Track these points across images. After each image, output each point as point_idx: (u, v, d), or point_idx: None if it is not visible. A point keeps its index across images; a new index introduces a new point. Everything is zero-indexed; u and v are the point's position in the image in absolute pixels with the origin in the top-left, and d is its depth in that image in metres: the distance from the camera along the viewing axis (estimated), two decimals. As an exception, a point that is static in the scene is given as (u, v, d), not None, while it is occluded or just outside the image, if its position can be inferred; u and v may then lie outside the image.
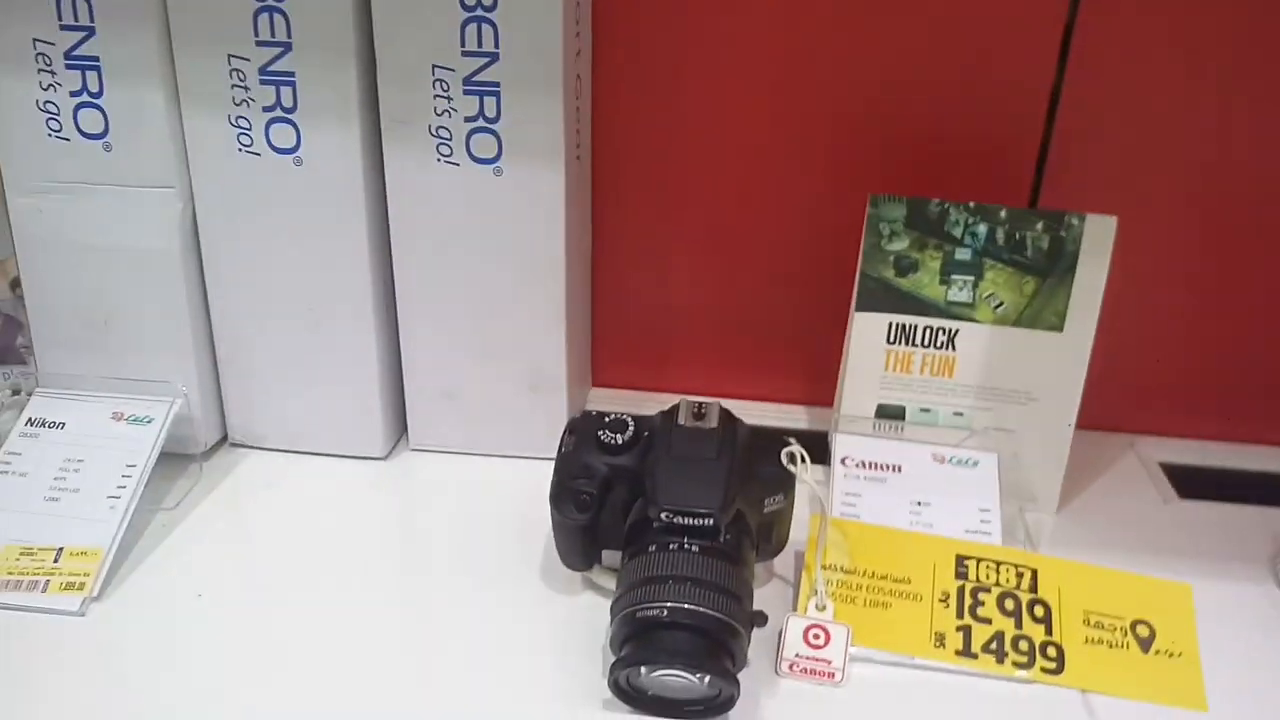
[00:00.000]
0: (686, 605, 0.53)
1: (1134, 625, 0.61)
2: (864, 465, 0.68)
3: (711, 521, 0.55)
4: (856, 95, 0.76)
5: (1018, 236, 0.68)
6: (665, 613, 0.53)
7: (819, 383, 0.81)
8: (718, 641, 0.54)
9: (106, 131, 0.68)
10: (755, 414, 0.84)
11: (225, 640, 0.60)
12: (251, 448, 0.77)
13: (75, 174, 0.69)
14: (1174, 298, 0.80)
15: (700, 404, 0.59)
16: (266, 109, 0.67)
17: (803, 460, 0.59)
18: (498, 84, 0.65)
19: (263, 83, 0.66)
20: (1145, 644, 0.60)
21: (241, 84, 0.66)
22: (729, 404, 0.85)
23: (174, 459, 0.73)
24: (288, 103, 0.67)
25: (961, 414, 0.72)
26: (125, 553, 0.66)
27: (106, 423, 0.69)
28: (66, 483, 0.67)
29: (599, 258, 0.83)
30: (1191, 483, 0.78)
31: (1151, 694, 0.58)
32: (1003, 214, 0.68)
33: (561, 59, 0.65)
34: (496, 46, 0.64)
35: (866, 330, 0.71)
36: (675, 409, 0.59)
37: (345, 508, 0.72)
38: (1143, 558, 0.69)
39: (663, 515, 0.55)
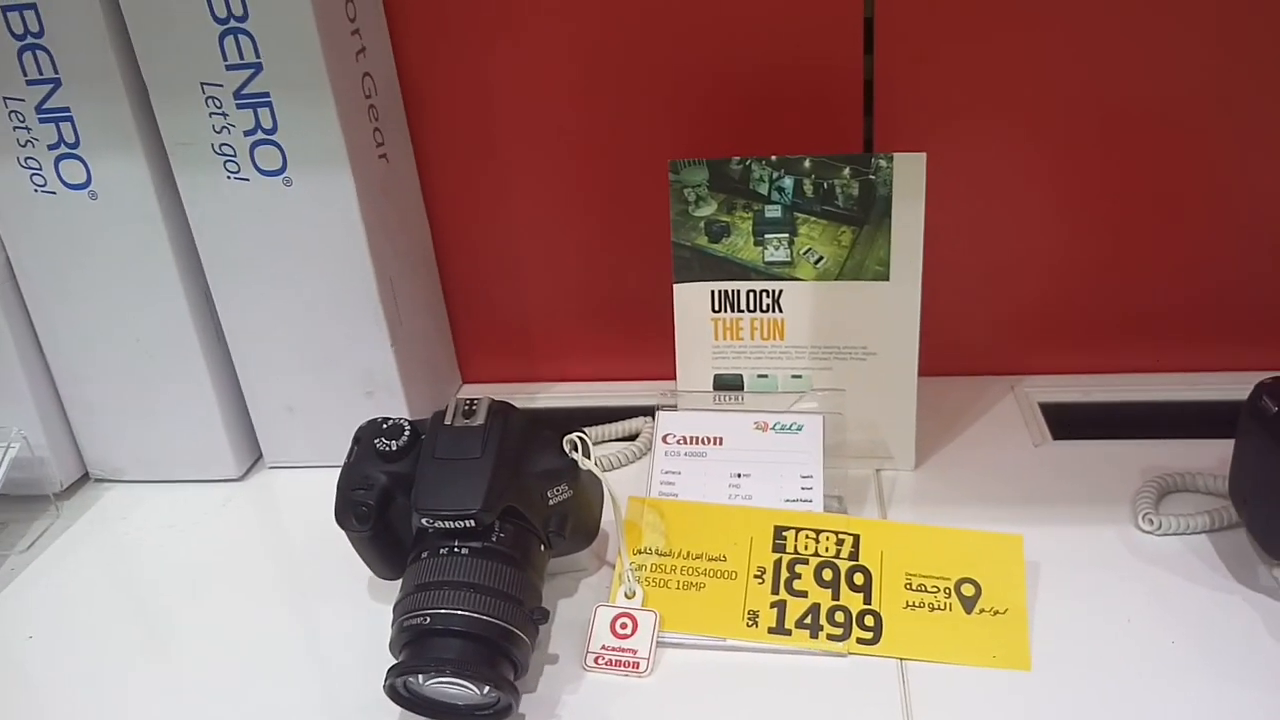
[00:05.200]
0: (456, 611, 0.52)
1: (959, 585, 0.58)
2: (684, 440, 0.66)
3: (474, 522, 0.53)
4: (677, 53, 0.73)
5: (826, 186, 0.65)
6: (429, 620, 0.52)
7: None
8: (493, 646, 0.52)
9: (-95, 187, 0.68)
10: (630, 395, 0.83)
11: (58, 681, 0.60)
12: (113, 481, 0.78)
13: (-113, 233, 0.70)
14: (1045, 230, 0.76)
15: (471, 401, 0.57)
16: (51, 147, 0.67)
17: (584, 449, 0.57)
18: (268, 94, 0.64)
19: (42, 121, 0.66)
20: (969, 604, 0.57)
21: (22, 125, 0.66)
22: (599, 388, 0.85)
23: (32, 501, 0.74)
24: (70, 138, 0.66)
25: (800, 376, 0.69)
26: (-34, 601, 0.67)
27: (-53, 473, 0.70)
28: (-93, 537, 0.68)
29: (444, 254, 0.82)
30: (1068, 422, 0.74)
31: (971, 657, 0.55)
32: (807, 164, 0.65)
33: (323, 62, 0.63)
34: (259, 56, 0.63)
35: (689, 301, 0.69)
36: (444, 409, 0.57)
37: (192, 532, 0.72)
38: (1000, 507, 0.67)
39: (424, 521, 0.53)
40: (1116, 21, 0.68)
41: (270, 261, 0.69)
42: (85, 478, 0.78)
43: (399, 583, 0.61)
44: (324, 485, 0.73)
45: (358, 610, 0.62)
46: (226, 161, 0.66)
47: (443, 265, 0.82)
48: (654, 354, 0.83)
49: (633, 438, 0.76)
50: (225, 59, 0.63)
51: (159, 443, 0.76)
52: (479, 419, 0.56)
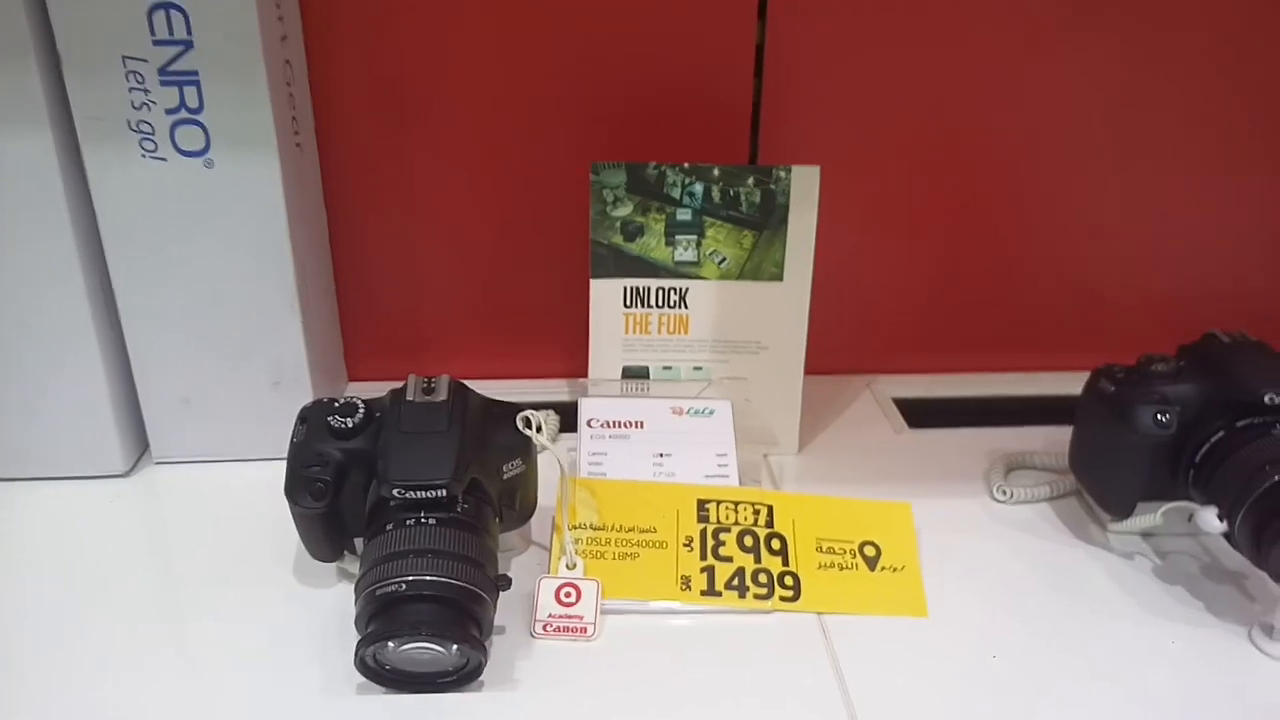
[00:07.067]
0: (427, 576, 0.54)
1: (862, 546, 0.66)
2: (608, 425, 0.70)
3: (445, 492, 0.55)
4: (579, 65, 0.77)
5: (732, 193, 0.72)
6: (405, 586, 0.53)
7: (578, 355, 0.83)
8: (462, 609, 0.54)
9: None
10: (517, 392, 0.85)
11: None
12: (-26, 478, 0.72)
13: None
14: (895, 246, 0.86)
15: (429, 379, 0.59)
16: (-59, 111, 0.62)
17: (537, 425, 0.60)
18: (196, 73, 0.63)
19: (-68, 83, 0.62)
20: (872, 563, 0.65)
21: (-93, 86, 0.62)
22: (492, 386, 0.87)
23: (-120, 499, 0.68)
24: (-36, 103, 0.62)
25: (700, 368, 0.75)
26: None
27: None
28: None
29: (338, 248, 0.82)
30: (920, 414, 0.84)
31: (879, 608, 0.63)
32: (716, 172, 0.72)
33: (260, 43, 0.63)
34: (190, 34, 0.62)
35: (603, 296, 0.73)
36: (404, 386, 0.59)
37: (79, 533, 0.68)
38: (876, 485, 0.75)
39: (395, 491, 0.55)
40: (968, 54, 0.80)
41: (180, 244, 0.68)
42: (-62, 475, 0.72)
43: (328, 566, 0.62)
44: (221, 480, 0.73)
45: (270, 599, 0.62)
46: (143, 139, 0.65)
47: (335, 260, 0.82)
48: (543, 355, 0.87)
49: (533, 429, 0.79)
50: (154, 34, 0.62)
51: (38, 436, 0.71)
52: (441, 394, 0.58)
